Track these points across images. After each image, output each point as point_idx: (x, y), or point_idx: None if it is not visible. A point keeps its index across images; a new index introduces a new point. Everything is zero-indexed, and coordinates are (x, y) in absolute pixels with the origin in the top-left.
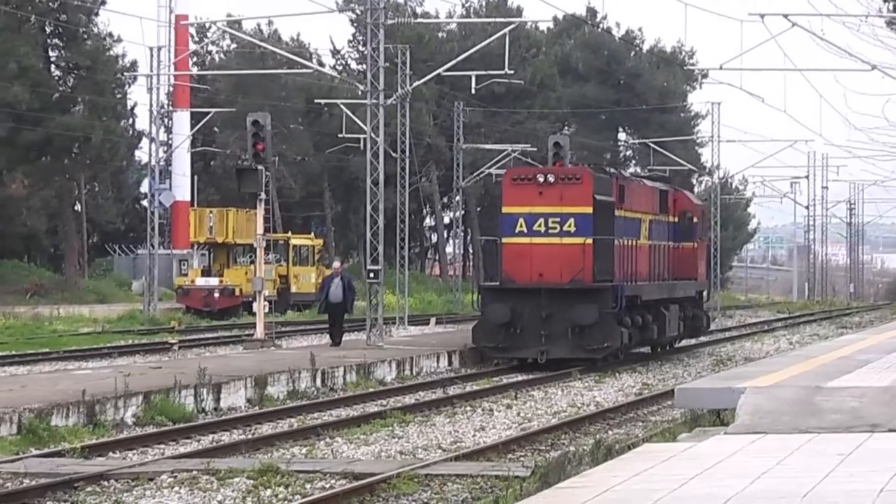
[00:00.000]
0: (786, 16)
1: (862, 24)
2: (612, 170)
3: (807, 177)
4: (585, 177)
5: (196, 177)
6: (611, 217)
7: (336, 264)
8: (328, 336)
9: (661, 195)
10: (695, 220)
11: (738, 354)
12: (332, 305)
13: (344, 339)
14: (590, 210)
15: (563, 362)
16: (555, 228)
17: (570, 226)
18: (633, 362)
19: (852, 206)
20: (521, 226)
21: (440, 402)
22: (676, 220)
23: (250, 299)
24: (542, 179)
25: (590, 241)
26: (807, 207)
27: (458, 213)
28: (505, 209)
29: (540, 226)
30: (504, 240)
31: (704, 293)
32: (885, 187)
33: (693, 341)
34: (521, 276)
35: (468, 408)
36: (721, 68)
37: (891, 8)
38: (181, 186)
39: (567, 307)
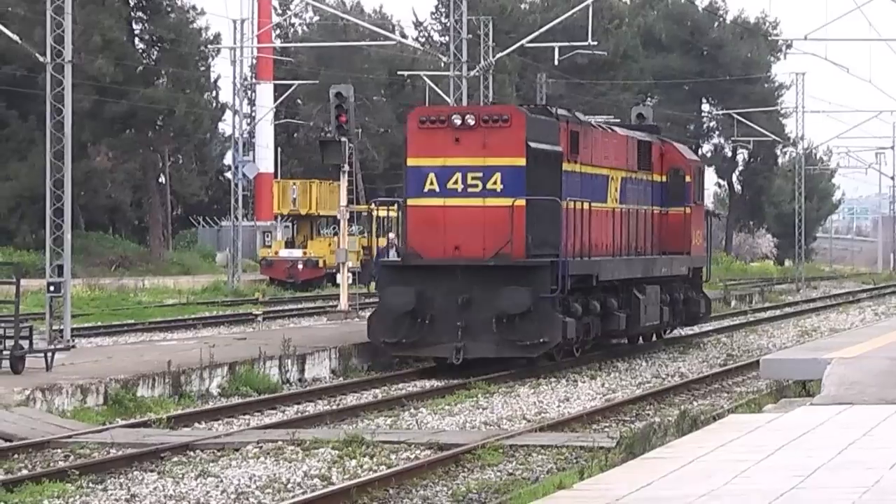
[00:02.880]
0: None
1: None
2: (563, 111)
3: (892, 147)
4: (516, 118)
5: (279, 149)
6: (556, 172)
7: (391, 235)
8: None
9: (641, 148)
10: (687, 179)
11: (822, 325)
12: None
13: None
14: (522, 162)
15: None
16: (476, 186)
17: (495, 182)
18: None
19: None
20: (431, 183)
21: (524, 373)
22: (664, 178)
23: (334, 271)
24: (458, 122)
25: (521, 202)
26: (892, 178)
27: None
28: (411, 161)
29: (456, 183)
30: (410, 202)
31: (703, 271)
32: None
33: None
34: (432, 250)
35: (552, 379)
36: (806, 39)
37: None
38: (264, 158)
39: (491, 291)
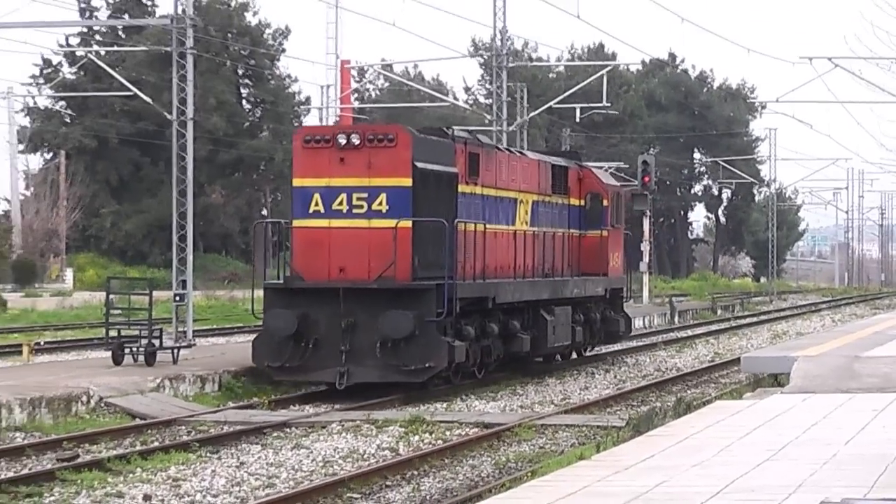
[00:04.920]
0: (830, 59)
1: (893, 65)
2: (462, 133)
3: (846, 188)
4: (401, 137)
5: None
6: (449, 193)
7: None
8: None
9: (556, 172)
10: (605, 203)
11: (791, 330)
12: None
13: None
14: (408, 182)
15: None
16: (361, 207)
17: (380, 203)
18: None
19: (883, 211)
20: (316, 204)
21: (552, 369)
22: (582, 203)
23: None
24: (343, 141)
25: (406, 223)
26: (846, 212)
27: None
28: (296, 181)
29: (341, 204)
30: (295, 223)
31: (623, 291)
32: None
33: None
34: (315, 272)
35: (574, 372)
36: (777, 101)
37: None
38: None
39: (374, 314)
